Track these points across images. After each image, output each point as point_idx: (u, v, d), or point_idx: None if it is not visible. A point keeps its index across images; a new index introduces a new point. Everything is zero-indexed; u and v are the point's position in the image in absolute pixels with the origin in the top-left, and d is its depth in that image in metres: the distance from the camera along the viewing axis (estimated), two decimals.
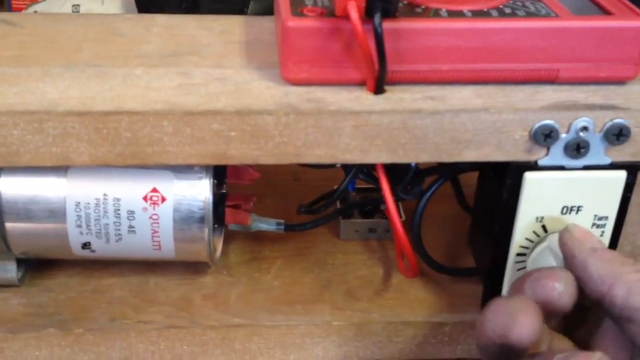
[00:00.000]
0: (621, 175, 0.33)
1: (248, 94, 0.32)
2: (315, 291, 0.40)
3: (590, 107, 0.32)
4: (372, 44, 0.30)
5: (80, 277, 0.40)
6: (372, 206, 0.45)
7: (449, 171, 0.39)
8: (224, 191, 0.41)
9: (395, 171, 0.37)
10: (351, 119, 0.31)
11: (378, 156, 0.32)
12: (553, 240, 0.33)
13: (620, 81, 0.34)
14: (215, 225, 0.41)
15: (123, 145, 0.31)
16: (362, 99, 0.32)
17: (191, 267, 0.41)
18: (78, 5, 0.56)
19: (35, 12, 0.59)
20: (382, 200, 0.43)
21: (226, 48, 0.37)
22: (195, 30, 0.39)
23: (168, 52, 0.36)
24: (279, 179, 0.49)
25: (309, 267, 0.42)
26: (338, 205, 0.45)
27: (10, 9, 0.67)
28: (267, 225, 0.41)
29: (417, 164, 0.37)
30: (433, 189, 0.39)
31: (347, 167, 0.39)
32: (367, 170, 0.39)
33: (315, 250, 0.44)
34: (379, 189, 0.39)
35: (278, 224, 0.41)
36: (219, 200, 0.39)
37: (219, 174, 0.39)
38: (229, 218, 0.40)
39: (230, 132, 0.31)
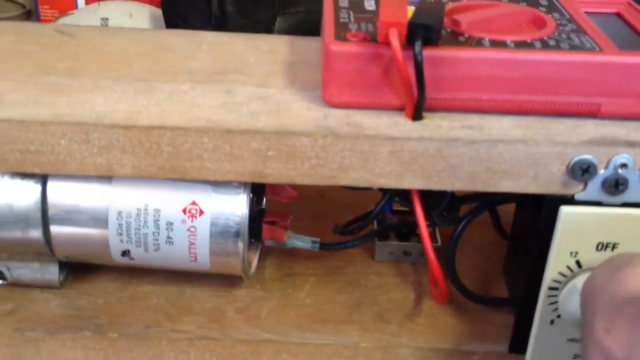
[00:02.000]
0: None
1: (288, 114, 0.33)
2: (346, 311, 0.41)
3: (631, 144, 0.31)
4: (411, 71, 0.31)
5: (119, 283, 0.42)
6: (408, 229, 0.45)
7: (487, 200, 0.39)
8: (262, 207, 0.42)
9: (431, 197, 0.37)
10: (388, 145, 0.32)
11: (412, 182, 0.33)
12: (580, 281, 0.32)
13: None
14: (252, 240, 0.42)
15: (164, 159, 0.32)
16: (400, 124, 0.32)
17: (226, 280, 0.42)
18: (107, 18, 0.57)
19: (64, 24, 0.61)
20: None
21: (272, 67, 0.38)
22: (243, 49, 0.40)
23: (215, 69, 0.37)
24: (306, 196, 0.49)
25: (341, 286, 0.43)
26: (375, 226, 0.45)
27: (38, 19, 0.69)
28: (302, 242, 0.41)
29: (453, 191, 0.37)
30: (471, 217, 0.39)
31: (384, 190, 0.40)
32: (403, 194, 0.40)
33: (349, 270, 0.44)
34: (414, 214, 0.39)
35: (314, 242, 0.42)
36: (257, 216, 0.40)
37: (258, 190, 0.40)
38: (265, 234, 0.40)
39: (268, 152, 0.32)
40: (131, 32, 0.43)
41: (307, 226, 0.44)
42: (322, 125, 0.32)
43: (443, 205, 0.37)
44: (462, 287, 0.39)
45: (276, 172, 0.33)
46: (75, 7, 0.67)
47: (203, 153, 0.32)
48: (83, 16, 0.61)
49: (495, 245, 0.45)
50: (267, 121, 0.32)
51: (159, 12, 0.61)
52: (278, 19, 0.57)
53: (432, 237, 0.45)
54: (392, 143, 0.32)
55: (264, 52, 0.39)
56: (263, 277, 0.43)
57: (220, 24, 0.57)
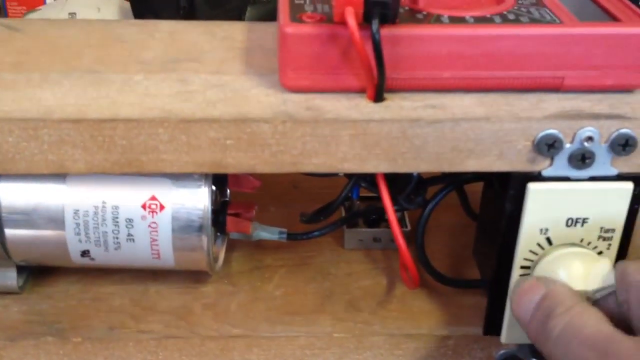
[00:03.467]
0: (628, 186, 0.32)
1: (246, 101, 0.32)
2: (317, 301, 0.40)
3: (596, 117, 0.31)
4: (370, 51, 0.30)
5: (81, 285, 0.40)
6: (377, 215, 0.44)
7: (453, 181, 0.38)
8: (226, 199, 0.41)
9: (397, 180, 0.37)
10: (349, 128, 0.31)
11: (377, 165, 0.32)
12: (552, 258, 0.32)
13: (627, 89, 0.33)
14: (218, 234, 0.41)
15: (119, 153, 0.31)
16: (361, 107, 0.31)
17: (192, 276, 0.41)
18: (74, 13, 0.56)
19: (10, 19, 0.60)
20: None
21: (227, 54, 0.36)
22: (198, 37, 0.39)
23: (169, 58, 0.36)
24: (278, 187, 0.49)
25: (311, 276, 0.42)
26: (343, 214, 0.44)
27: (6, 16, 0.67)
28: (269, 234, 0.40)
29: (419, 174, 0.37)
30: (437, 199, 0.38)
31: (350, 176, 0.39)
32: (370, 179, 0.39)
33: (319, 260, 0.43)
34: (381, 199, 0.38)
35: (280, 232, 0.41)
36: (220, 209, 0.39)
37: (220, 182, 0.39)
38: (230, 226, 0.39)
39: (227, 140, 0.31)
40: (82, 23, 0.41)
41: (278, 217, 0.43)
42: (280, 111, 0.31)
43: (410, 188, 0.36)
44: (433, 270, 0.39)
45: (236, 161, 0.31)
46: (43, 2, 0.65)
47: (159, 145, 0.31)
48: (50, 11, 0.59)
49: (465, 227, 0.44)
50: (224, 109, 0.31)
51: (127, 5, 0.59)
52: (248, 9, 0.56)
53: (401, 221, 0.44)
54: (353, 126, 0.31)
55: (219, 39, 0.38)
56: (231, 271, 0.42)
57: (189, 15, 0.55)
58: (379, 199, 0.43)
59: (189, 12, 0.57)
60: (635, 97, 0.32)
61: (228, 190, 0.44)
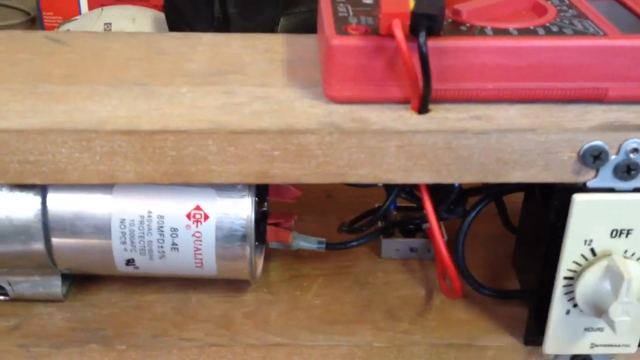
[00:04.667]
0: None
1: (291, 112, 0.32)
2: (356, 310, 0.40)
3: None
4: (416, 63, 0.30)
5: (123, 293, 0.41)
6: (413, 225, 0.45)
7: (494, 192, 0.38)
8: (266, 209, 0.41)
9: (438, 191, 0.37)
10: (395, 139, 0.31)
11: (421, 176, 0.32)
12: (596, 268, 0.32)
13: None
14: (257, 243, 0.41)
15: (168, 164, 0.31)
16: (406, 118, 0.32)
17: (232, 285, 0.41)
18: (110, 23, 0.57)
19: (68, 30, 0.60)
20: (423, 219, 0.43)
21: (269, 67, 0.37)
22: (239, 49, 0.39)
23: (212, 70, 0.36)
24: (312, 196, 0.49)
25: (349, 285, 0.42)
26: (379, 224, 0.45)
27: (42, 27, 0.68)
28: (308, 243, 0.41)
29: (460, 184, 0.37)
30: (477, 209, 0.38)
31: (388, 186, 0.39)
32: (409, 190, 0.39)
33: (356, 269, 0.44)
34: (421, 209, 0.39)
35: (319, 242, 0.41)
36: (261, 218, 0.39)
37: (261, 192, 0.39)
38: (270, 236, 0.39)
39: (274, 152, 0.31)
40: (125, 36, 0.42)
41: (313, 227, 0.43)
42: (326, 122, 0.31)
43: (451, 199, 0.37)
44: (473, 280, 0.39)
45: (282, 172, 0.32)
46: (79, 12, 0.66)
47: (208, 156, 0.31)
48: (86, 22, 0.60)
49: (501, 238, 0.44)
50: (270, 120, 0.32)
51: (161, 15, 0.60)
52: (281, 20, 0.56)
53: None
54: (399, 137, 0.31)
55: (260, 52, 0.39)
56: (269, 280, 0.42)
57: (223, 26, 0.56)
58: (415, 209, 0.43)
59: (223, 23, 0.58)
60: None
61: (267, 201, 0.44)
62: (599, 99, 0.33)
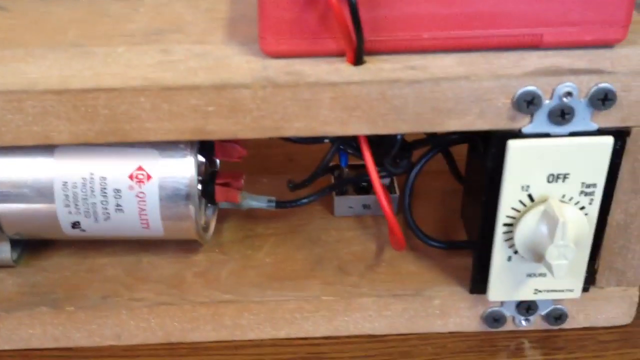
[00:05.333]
0: (608, 141, 0.32)
1: (227, 68, 0.32)
2: (307, 267, 0.40)
3: (574, 72, 0.31)
4: (347, 14, 0.30)
5: (75, 257, 0.41)
6: (367, 182, 0.45)
7: (438, 143, 0.38)
8: (215, 169, 0.41)
9: (381, 144, 0.37)
10: (329, 91, 0.31)
11: (358, 128, 0.32)
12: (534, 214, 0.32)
13: (608, 44, 0.33)
14: (207, 204, 0.41)
15: (102, 123, 0.31)
16: (341, 70, 0.32)
17: (184, 246, 0.41)
18: None
19: None
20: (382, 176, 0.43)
21: (210, 25, 0.37)
22: (182, 9, 0.39)
23: (152, 30, 0.36)
24: (274, 160, 0.49)
25: (301, 244, 0.42)
26: (332, 180, 0.45)
27: None
28: (258, 202, 0.41)
29: (403, 137, 0.37)
30: (422, 162, 0.38)
31: (332, 140, 0.39)
32: (356, 145, 0.39)
33: (309, 228, 0.44)
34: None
35: (269, 201, 0.41)
36: (209, 179, 0.39)
37: (207, 151, 0.39)
38: (219, 196, 0.40)
39: (208, 107, 0.31)
40: (68, 0, 0.42)
41: (271, 188, 0.43)
42: (261, 76, 0.31)
43: (394, 151, 0.37)
44: (421, 232, 0.39)
45: (218, 128, 0.32)
46: None
47: (141, 113, 0.31)
48: None
49: (455, 192, 0.44)
50: (205, 76, 0.31)
51: None
52: None
53: (390, 187, 0.45)
54: (333, 89, 0.31)
55: (202, 11, 0.38)
56: (222, 240, 0.43)
57: None
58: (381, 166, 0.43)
59: None
60: (617, 52, 0.33)
61: (218, 161, 0.44)
62: (536, 45, 0.33)
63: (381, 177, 0.42)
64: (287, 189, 0.43)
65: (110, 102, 0.31)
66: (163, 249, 0.41)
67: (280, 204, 0.41)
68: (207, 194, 0.39)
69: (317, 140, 0.38)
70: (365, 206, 0.45)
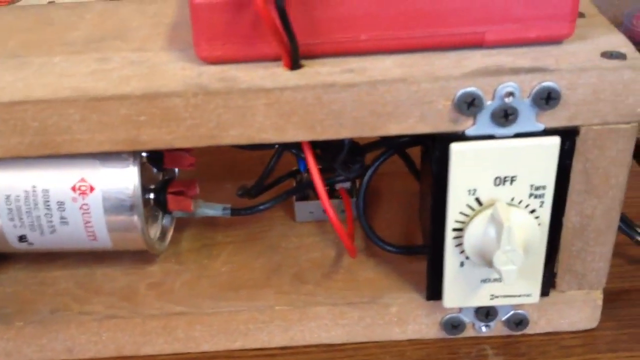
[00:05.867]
0: (555, 141, 0.31)
1: (161, 76, 0.31)
2: (263, 276, 0.39)
3: (515, 71, 0.30)
4: (277, 16, 0.29)
5: (28, 271, 0.40)
6: (328, 186, 0.44)
7: (392, 146, 0.37)
8: (168, 178, 0.40)
9: (328, 149, 0.36)
10: (262, 97, 0.30)
11: (296, 134, 0.31)
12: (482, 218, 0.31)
13: (554, 41, 0.32)
14: (160, 214, 0.41)
15: (32, 135, 0.31)
16: (276, 75, 0.31)
17: (139, 256, 0.41)
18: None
19: None
20: (337, 180, 0.42)
21: (154, 31, 0.36)
22: (129, 14, 0.38)
23: (94, 38, 0.35)
24: (245, 165, 0.48)
25: (261, 251, 0.41)
26: (295, 184, 0.44)
27: None
28: (212, 210, 0.40)
29: (352, 140, 0.36)
30: (376, 164, 0.37)
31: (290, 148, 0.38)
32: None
33: (269, 234, 0.43)
34: (328, 170, 0.38)
35: (224, 208, 0.40)
36: (161, 187, 0.39)
37: (156, 160, 0.38)
38: (171, 205, 0.39)
39: (140, 117, 0.30)
40: (17, 9, 0.41)
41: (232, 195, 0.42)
42: (193, 84, 0.30)
43: (342, 155, 0.36)
44: (376, 237, 0.38)
45: (152, 138, 0.31)
46: None
47: (72, 125, 0.31)
48: None
49: (417, 194, 0.43)
50: (136, 85, 0.31)
51: None
52: None
53: (351, 191, 0.44)
54: (266, 95, 0.30)
55: (149, 16, 0.38)
56: (179, 249, 0.42)
57: None
58: (330, 170, 0.42)
59: None
60: (563, 49, 0.32)
61: (176, 170, 0.44)
62: (478, 44, 0.32)
63: (340, 182, 0.42)
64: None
65: (39, 114, 0.30)
66: (118, 260, 0.41)
67: (235, 212, 0.40)
68: (160, 203, 0.39)
69: (264, 146, 0.37)
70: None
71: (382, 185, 0.46)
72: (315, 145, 0.37)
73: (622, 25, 0.70)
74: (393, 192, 0.45)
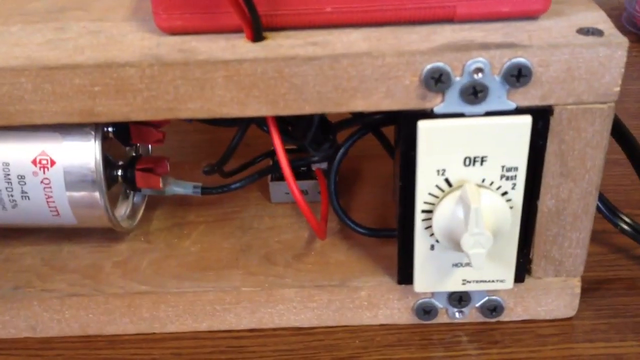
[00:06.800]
0: (526, 120, 0.30)
1: (117, 46, 0.30)
2: (232, 256, 0.38)
3: (486, 47, 0.29)
4: None
5: None
6: (305, 167, 0.43)
7: (365, 124, 0.36)
8: (135, 155, 0.39)
9: (299, 126, 0.35)
10: (221, 69, 0.29)
11: (258, 109, 0.30)
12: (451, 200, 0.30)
13: (529, 16, 0.30)
14: (129, 191, 0.40)
15: None
16: (237, 47, 0.30)
17: (108, 235, 0.40)
18: None
19: None
20: (313, 160, 0.41)
21: (117, 2, 0.35)
22: None
23: (55, 8, 0.34)
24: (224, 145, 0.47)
25: (231, 231, 0.40)
26: (271, 163, 0.43)
27: None
28: (182, 189, 0.39)
29: (322, 117, 0.35)
30: (348, 143, 0.36)
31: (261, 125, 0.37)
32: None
33: (243, 215, 0.42)
34: (300, 149, 0.37)
35: (195, 187, 0.39)
36: (129, 164, 0.38)
37: (123, 135, 0.37)
38: (140, 182, 0.38)
39: (94, 87, 0.29)
40: None
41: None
42: (149, 54, 0.29)
43: (311, 133, 0.35)
44: (348, 219, 0.37)
45: (108, 109, 0.30)
46: None
47: (24, 95, 0.30)
48: None
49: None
50: (90, 54, 0.30)
51: None
52: None
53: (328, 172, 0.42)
54: (225, 67, 0.29)
55: None
56: (150, 228, 0.41)
57: None
58: (305, 150, 0.41)
59: None
60: (538, 25, 0.30)
61: (150, 147, 0.43)
62: (449, 18, 0.30)
63: (316, 162, 0.40)
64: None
65: None
66: (86, 238, 0.40)
67: (206, 190, 0.39)
68: (128, 180, 0.38)
69: (232, 122, 0.36)
70: (303, 192, 0.42)
71: (362, 167, 0.45)
72: (286, 122, 0.36)
73: (625, 11, 0.67)
74: (373, 175, 0.44)
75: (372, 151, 0.42)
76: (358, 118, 0.36)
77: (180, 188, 0.39)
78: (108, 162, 0.36)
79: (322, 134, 0.36)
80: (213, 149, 0.50)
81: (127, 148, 0.40)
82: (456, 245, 0.31)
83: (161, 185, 0.38)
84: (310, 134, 0.35)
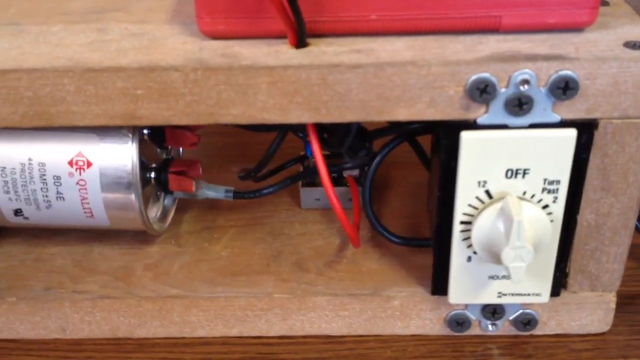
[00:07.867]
0: (571, 134, 0.29)
1: (161, 49, 0.30)
2: (263, 262, 0.38)
3: (532, 58, 0.28)
4: None
5: (25, 246, 0.39)
6: (336, 173, 0.42)
7: (401, 133, 0.36)
8: (169, 157, 0.39)
9: (336, 133, 0.35)
10: (265, 75, 0.29)
11: (300, 115, 0.30)
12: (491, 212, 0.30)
13: (575, 28, 0.30)
14: (161, 193, 0.40)
15: (26, 106, 0.30)
16: (281, 53, 0.29)
17: (139, 237, 0.40)
18: None
19: None
20: (345, 167, 0.40)
21: (157, 3, 0.35)
22: None
23: (95, 9, 0.34)
24: (255, 149, 0.47)
25: (262, 237, 0.40)
26: (302, 169, 0.42)
27: None
28: (215, 192, 0.39)
29: (360, 125, 0.35)
30: (385, 151, 0.36)
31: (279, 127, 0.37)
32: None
33: (273, 220, 0.42)
34: (335, 155, 0.37)
35: (227, 191, 0.39)
36: (162, 166, 0.38)
37: (158, 138, 0.37)
38: (172, 185, 0.38)
39: (137, 90, 0.29)
40: None
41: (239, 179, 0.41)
42: (192, 58, 0.29)
43: (348, 140, 0.34)
44: (381, 227, 0.37)
45: (150, 113, 0.30)
46: None
47: (66, 96, 0.29)
48: None
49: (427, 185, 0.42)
50: (134, 57, 0.29)
51: None
52: None
53: (359, 179, 0.42)
54: (269, 73, 0.29)
55: None
56: (180, 231, 0.41)
57: None
58: (338, 157, 0.41)
59: None
60: (583, 37, 0.30)
61: (181, 149, 0.43)
62: (494, 28, 0.30)
63: (348, 169, 0.40)
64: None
65: (33, 83, 0.29)
66: (116, 239, 0.40)
67: (238, 195, 0.39)
68: (161, 183, 0.38)
69: (272, 128, 0.36)
70: None
71: (393, 174, 0.45)
72: (322, 129, 0.36)
73: None
74: (404, 182, 0.44)
75: (400, 159, 0.42)
76: (395, 127, 0.36)
77: (212, 192, 0.39)
78: (142, 165, 0.36)
79: (359, 141, 0.35)
80: (237, 152, 0.50)
81: (159, 150, 0.40)
82: (495, 258, 0.31)
83: (194, 188, 0.38)
84: (348, 142, 0.34)
